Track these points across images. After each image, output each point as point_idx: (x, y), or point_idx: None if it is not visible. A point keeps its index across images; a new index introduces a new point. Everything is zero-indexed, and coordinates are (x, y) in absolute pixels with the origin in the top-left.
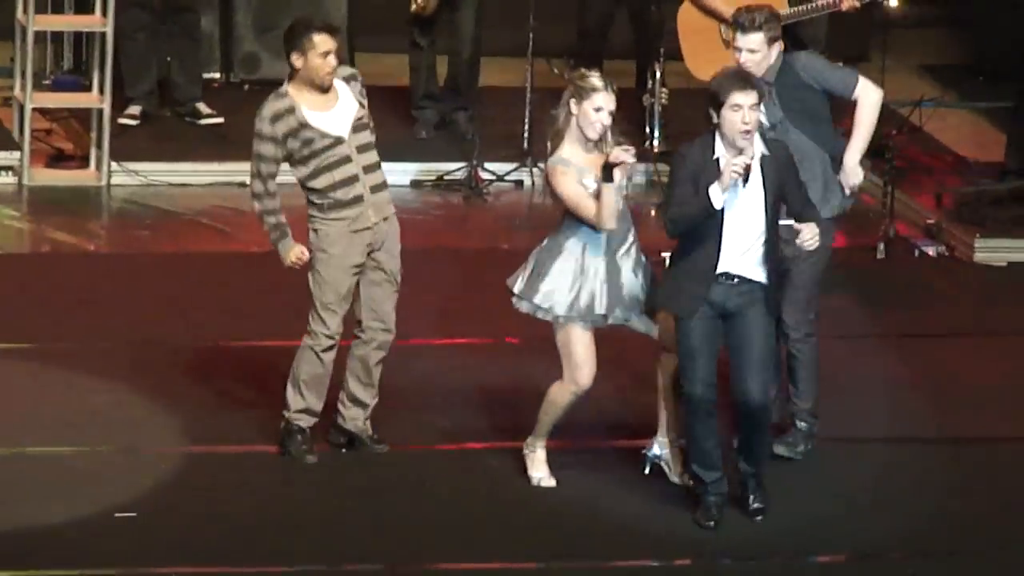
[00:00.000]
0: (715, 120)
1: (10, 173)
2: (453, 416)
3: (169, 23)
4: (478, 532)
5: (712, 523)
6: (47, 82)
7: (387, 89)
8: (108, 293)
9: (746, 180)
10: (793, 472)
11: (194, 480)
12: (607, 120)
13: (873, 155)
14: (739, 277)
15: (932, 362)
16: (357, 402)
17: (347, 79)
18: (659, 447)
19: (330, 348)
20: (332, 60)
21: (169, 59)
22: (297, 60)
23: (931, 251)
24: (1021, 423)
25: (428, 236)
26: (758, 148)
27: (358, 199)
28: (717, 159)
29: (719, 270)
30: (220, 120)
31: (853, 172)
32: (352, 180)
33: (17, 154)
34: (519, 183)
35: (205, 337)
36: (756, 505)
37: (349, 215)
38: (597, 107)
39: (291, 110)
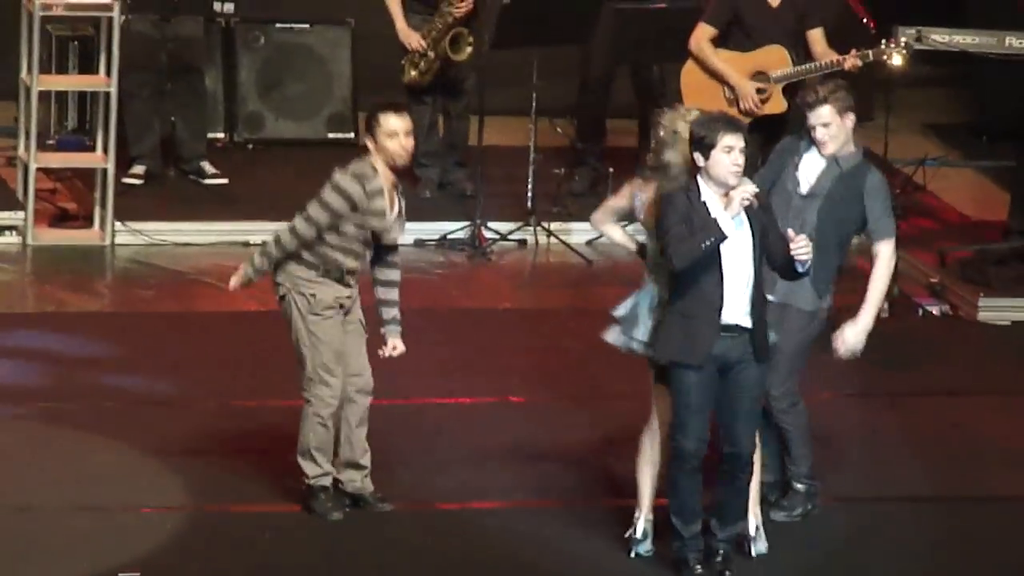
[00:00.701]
0: (701, 163)
1: (14, 233)
2: (456, 475)
3: (173, 83)
4: None
5: None
6: (51, 142)
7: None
8: (112, 353)
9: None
10: (792, 531)
11: (198, 540)
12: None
13: None
14: (737, 326)
15: (937, 421)
16: (353, 465)
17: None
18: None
19: (334, 411)
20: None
21: (173, 119)
22: (370, 142)
23: (935, 310)
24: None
25: (431, 296)
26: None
27: (353, 271)
28: (705, 202)
29: (722, 320)
30: (224, 180)
31: (857, 340)
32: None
33: (21, 214)
34: (522, 242)
35: (209, 396)
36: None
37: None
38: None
39: (380, 192)
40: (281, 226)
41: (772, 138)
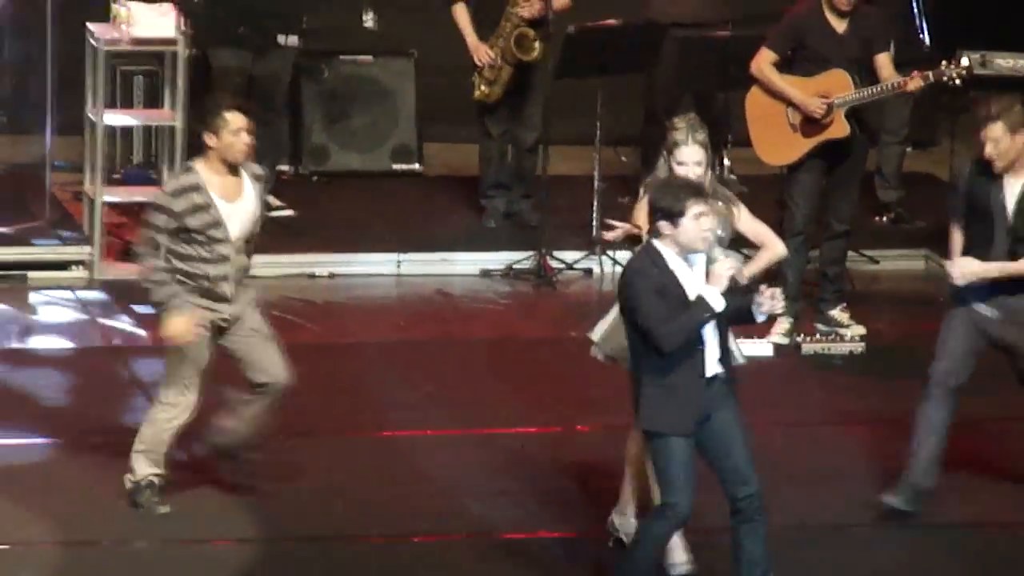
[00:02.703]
0: (668, 231)
1: (81, 267)
2: (526, 506)
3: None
4: None
5: None
6: (117, 176)
7: (456, 179)
8: None
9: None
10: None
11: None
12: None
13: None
14: (714, 377)
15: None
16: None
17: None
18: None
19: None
20: (245, 137)
21: None
22: (209, 138)
23: None
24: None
25: (497, 326)
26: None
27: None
28: (674, 271)
29: (706, 375)
30: (290, 212)
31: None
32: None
33: (88, 248)
34: (588, 271)
35: (274, 426)
36: None
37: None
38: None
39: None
40: (345, 257)
41: (835, 164)
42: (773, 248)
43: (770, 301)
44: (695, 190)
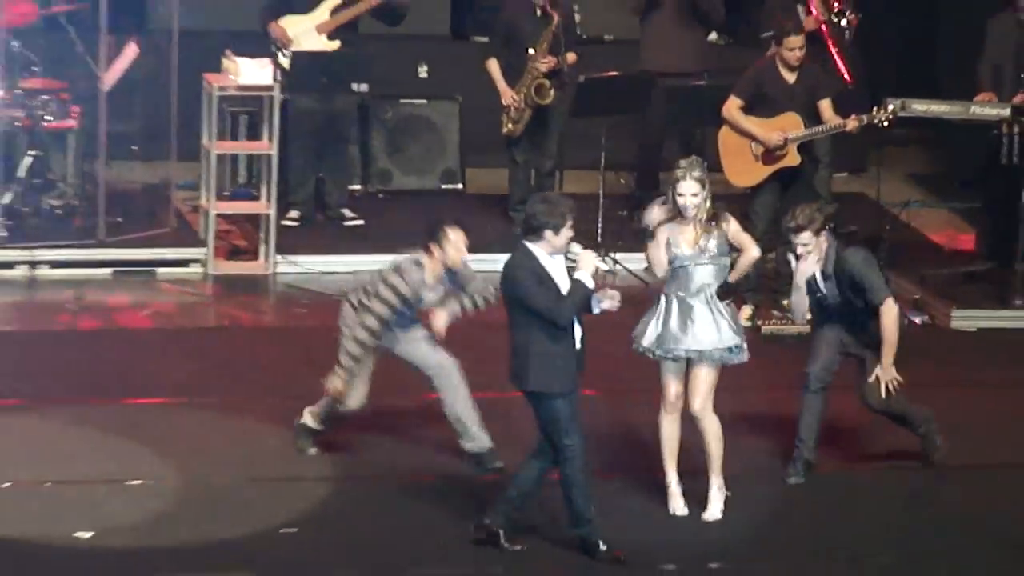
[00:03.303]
0: (550, 237)
1: (198, 265)
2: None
3: (324, 147)
4: None
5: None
6: (226, 193)
7: (492, 196)
8: (274, 358)
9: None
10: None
11: (345, 504)
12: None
13: (872, 246)
14: (581, 348)
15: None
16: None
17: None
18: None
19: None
20: (463, 249)
21: (321, 174)
22: (434, 248)
23: (917, 320)
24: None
25: None
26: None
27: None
28: (545, 266)
29: (577, 347)
30: (361, 222)
31: (888, 372)
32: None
33: (203, 250)
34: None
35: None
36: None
37: None
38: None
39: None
40: (401, 257)
41: (788, 185)
42: (751, 252)
43: (609, 300)
44: (569, 206)
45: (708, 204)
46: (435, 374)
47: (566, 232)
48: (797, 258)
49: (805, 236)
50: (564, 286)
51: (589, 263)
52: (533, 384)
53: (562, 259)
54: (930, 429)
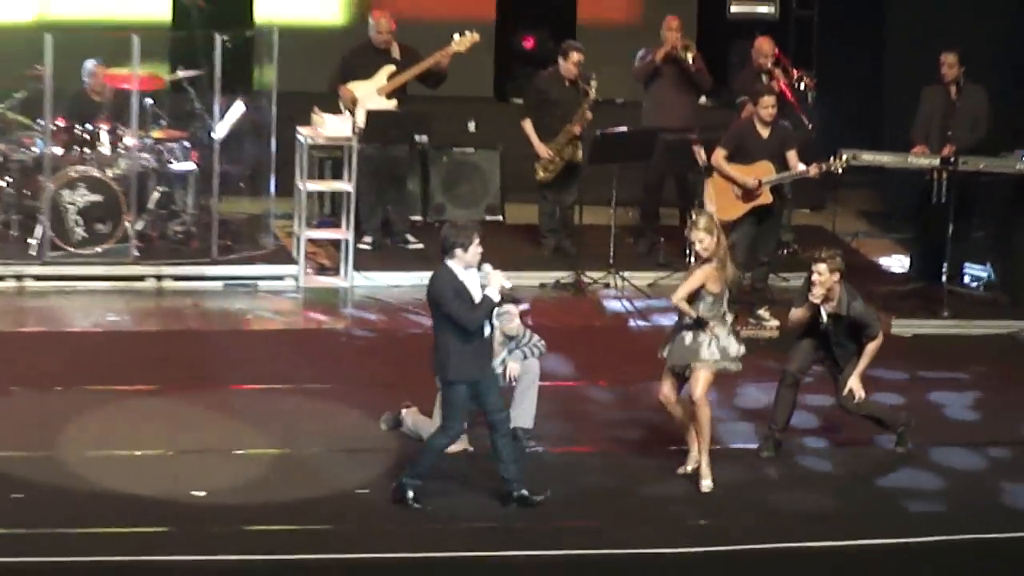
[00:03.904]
0: (461, 255)
1: (291, 279)
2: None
3: (389, 185)
4: None
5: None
6: (314, 222)
7: (525, 226)
8: (351, 354)
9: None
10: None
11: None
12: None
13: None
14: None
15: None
16: None
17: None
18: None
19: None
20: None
21: (388, 207)
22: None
23: None
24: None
25: (551, 316)
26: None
27: None
28: (463, 281)
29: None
30: (421, 246)
31: (857, 387)
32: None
33: (295, 267)
34: (607, 284)
35: (410, 377)
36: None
37: None
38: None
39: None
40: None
41: (762, 219)
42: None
43: (508, 317)
44: (476, 228)
45: (719, 241)
46: None
47: (474, 248)
48: (811, 283)
49: (822, 267)
50: (477, 296)
51: (497, 282)
52: (452, 375)
53: (476, 273)
54: (904, 432)
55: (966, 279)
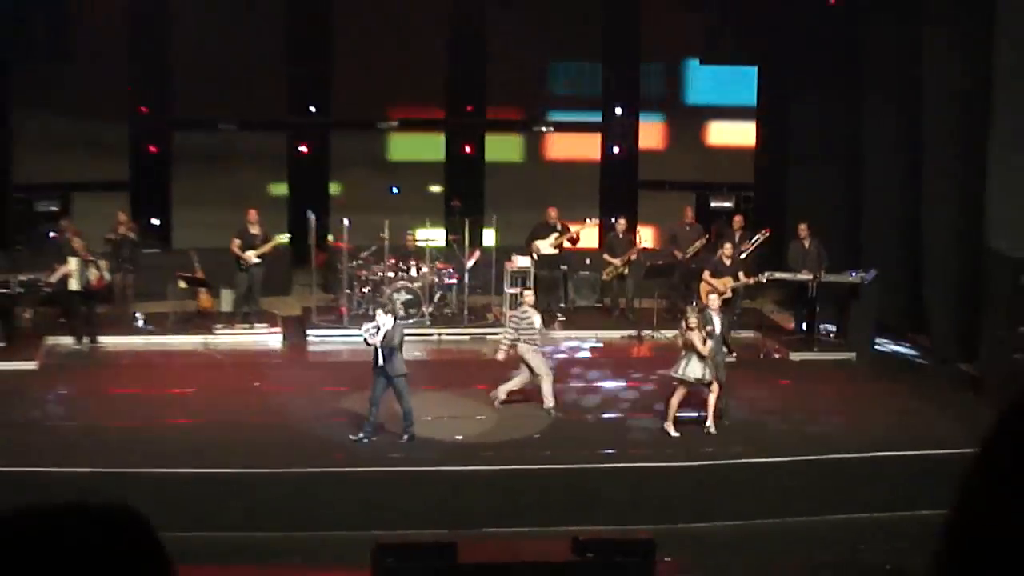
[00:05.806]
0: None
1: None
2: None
3: (544, 291)
4: None
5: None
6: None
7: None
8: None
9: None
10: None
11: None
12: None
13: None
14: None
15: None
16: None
17: None
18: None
19: None
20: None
21: (549, 302)
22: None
23: (775, 355)
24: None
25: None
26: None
27: None
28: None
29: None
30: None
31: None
32: None
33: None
34: (646, 335)
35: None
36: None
37: None
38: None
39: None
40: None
41: (726, 304)
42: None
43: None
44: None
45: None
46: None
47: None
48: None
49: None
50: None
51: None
52: (398, 370)
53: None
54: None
55: (823, 331)
